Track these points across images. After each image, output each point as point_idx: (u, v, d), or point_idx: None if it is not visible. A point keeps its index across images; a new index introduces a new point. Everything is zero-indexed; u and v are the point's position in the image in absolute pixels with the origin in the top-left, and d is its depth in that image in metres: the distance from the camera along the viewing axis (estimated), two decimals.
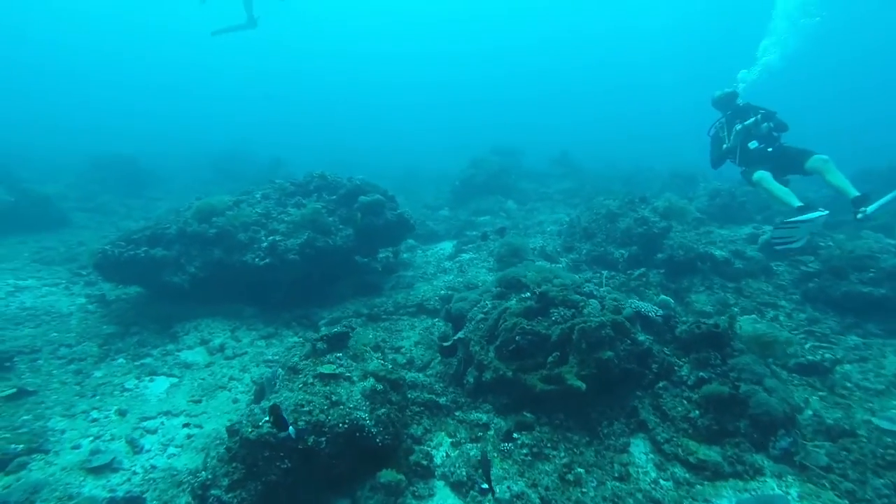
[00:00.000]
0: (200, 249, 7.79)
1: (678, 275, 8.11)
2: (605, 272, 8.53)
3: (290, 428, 3.53)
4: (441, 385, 5.56)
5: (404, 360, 6.20)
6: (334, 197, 8.99)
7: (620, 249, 8.80)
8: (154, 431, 5.07)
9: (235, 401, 5.70)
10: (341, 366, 4.68)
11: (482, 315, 5.64)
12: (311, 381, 4.44)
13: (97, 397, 5.62)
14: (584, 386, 4.60)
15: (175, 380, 6.13)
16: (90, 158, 20.40)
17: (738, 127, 7.42)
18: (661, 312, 5.58)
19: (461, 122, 58.71)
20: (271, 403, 3.75)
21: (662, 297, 6.19)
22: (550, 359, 4.89)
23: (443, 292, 8.21)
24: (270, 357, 6.57)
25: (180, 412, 5.45)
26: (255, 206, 8.50)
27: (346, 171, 26.68)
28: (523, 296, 5.71)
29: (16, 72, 56.50)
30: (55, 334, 7.10)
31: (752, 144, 7.67)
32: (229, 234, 7.81)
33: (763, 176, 7.27)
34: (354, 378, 4.57)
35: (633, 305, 5.62)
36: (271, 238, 7.76)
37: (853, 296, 7.17)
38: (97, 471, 4.35)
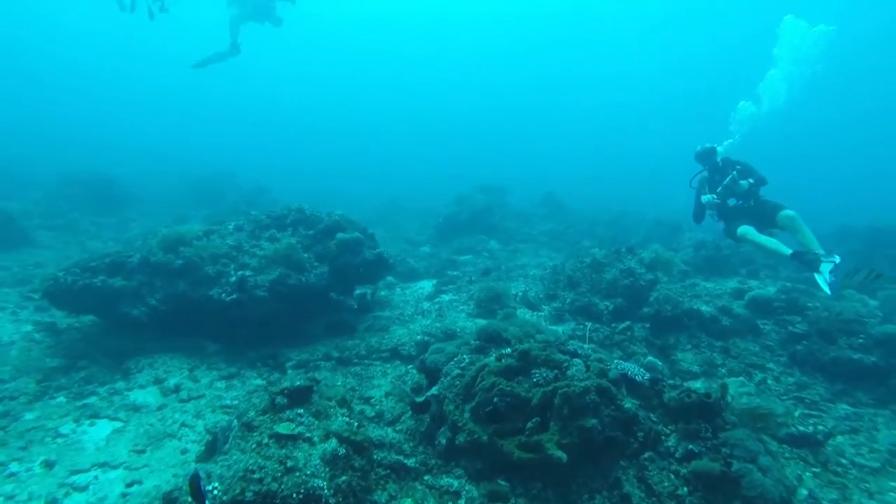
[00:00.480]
0: (164, 281, 7.32)
1: (664, 330, 7.84)
2: (589, 324, 8.23)
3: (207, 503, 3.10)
4: (410, 444, 5.11)
5: (373, 413, 5.75)
6: (311, 232, 8.62)
7: (605, 301, 8.53)
8: (84, 489, 4.51)
9: (184, 451, 5.16)
10: (301, 424, 4.24)
11: (459, 371, 5.26)
12: (266, 441, 3.99)
13: (22, 445, 5.04)
14: (565, 457, 4.22)
15: (119, 424, 5.58)
16: (61, 174, 19.79)
17: (719, 190, 7.60)
18: (647, 376, 5.26)
19: (449, 152, 59.26)
20: (192, 472, 3.31)
21: (650, 358, 5.89)
22: (530, 424, 4.51)
23: (419, 338, 7.81)
24: (229, 402, 6.06)
25: (119, 464, 4.90)
26: (226, 238, 8.08)
27: (328, 200, 26.42)
28: (503, 352, 5.35)
29: None
30: None
31: (731, 202, 7.76)
32: (196, 266, 7.36)
33: (747, 230, 7.29)
34: (315, 439, 4.12)
35: (618, 367, 5.29)
36: (241, 273, 7.33)
37: (842, 362, 6.95)
38: None
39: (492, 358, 5.28)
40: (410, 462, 4.75)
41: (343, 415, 4.62)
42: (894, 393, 6.67)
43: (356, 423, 4.59)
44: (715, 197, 7.74)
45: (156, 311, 7.06)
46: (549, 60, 67.01)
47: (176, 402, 6.11)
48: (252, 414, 4.31)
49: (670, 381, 5.55)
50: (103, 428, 5.50)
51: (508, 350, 5.39)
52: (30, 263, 11.28)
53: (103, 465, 4.87)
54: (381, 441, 4.87)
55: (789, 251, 6.70)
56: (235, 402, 6.05)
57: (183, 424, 5.60)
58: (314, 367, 7.07)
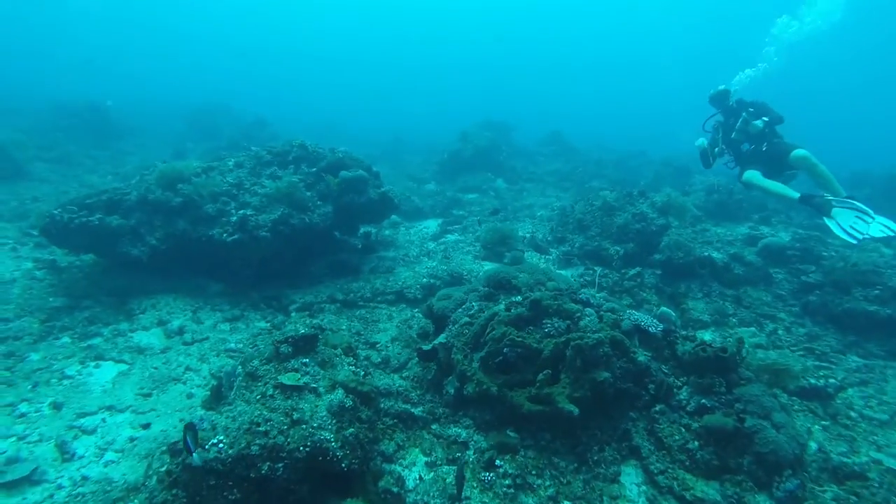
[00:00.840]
0: (163, 219, 7.10)
1: (675, 278, 7.67)
2: (598, 269, 8.06)
3: (195, 455, 3.05)
4: (417, 392, 5.06)
5: (379, 359, 5.68)
6: (314, 170, 8.30)
7: (616, 246, 8.32)
8: (92, 431, 4.50)
9: (190, 396, 5.14)
10: (307, 373, 4.14)
11: (467, 318, 5.12)
12: (271, 392, 3.90)
13: (30, 386, 5.00)
14: (576, 411, 4.14)
15: (125, 367, 5.54)
16: (54, 102, 19.09)
17: (733, 135, 7.36)
18: (661, 327, 5.13)
19: (454, 88, 57.30)
20: (188, 421, 3.24)
21: (663, 308, 5.75)
22: (541, 376, 4.41)
23: (425, 280, 7.67)
24: (233, 345, 5.99)
25: (126, 408, 4.87)
26: (226, 175, 7.78)
27: (331, 135, 25.76)
28: (514, 299, 5.20)
29: None
30: None
31: (745, 147, 7.49)
32: (196, 204, 7.12)
33: (752, 175, 7.13)
34: (321, 390, 4.03)
35: (631, 318, 5.15)
36: (242, 212, 7.09)
37: (856, 313, 6.82)
38: (11, 486, 3.77)
39: (501, 306, 5.14)
40: (417, 411, 4.70)
41: (349, 364, 4.52)
42: None
43: (362, 372, 4.51)
44: (705, 142, 7.63)
45: (156, 250, 6.88)
46: None
47: (180, 344, 6.05)
48: (256, 363, 4.20)
49: (683, 332, 5.44)
50: (109, 370, 5.46)
51: (519, 298, 5.24)
52: (27, 197, 11.03)
53: (110, 408, 4.84)
54: (387, 389, 4.80)
55: (797, 194, 6.50)
56: (240, 346, 5.99)
57: (188, 368, 5.55)
58: (318, 309, 6.97)
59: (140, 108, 25.98)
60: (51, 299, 6.67)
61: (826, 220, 6.27)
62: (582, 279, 7.89)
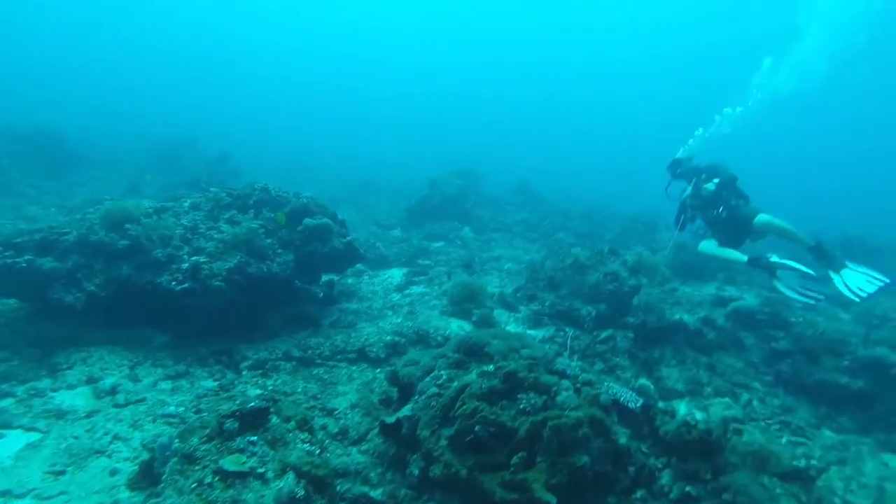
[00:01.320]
0: (105, 263, 6.49)
1: (649, 342, 7.47)
2: (570, 330, 7.80)
3: None
4: (378, 471, 4.56)
5: (337, 429, 5.15)
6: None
7: (588, 306, 8.10)
8: None
9: (114, 472, 4.46)
10: (254, 454, 3.63)
11: (435, 388, 4.70)
12: (209, 479, 3.37)
13: None
14: (554, 501, 3.74)
15: (36, 436, 4.81)
16: (4, 128, 18.09)
17: (689, 201, 7.70)
18: (640, 402, 4.83)
19: (426, 131, 58.02)
20: None
21: (641, 380, 5.47)
22: (516, 459, 4.01)
23: (388, 338, 7.23)
24: (173, 409, 5.35)
25: (27, 492, 4.15)
26: (181, 217, 7.26)
27: (298, 172, 25.32)
28: (485, 369, 4.83)
29: None
30: None
31: (708, 213, 7.72)
32: (144, 248, 6.55)
33: (705, 246, 7.55)
34: (269, 475, 3.52)
35: (610, 392, 4.85)
36: (195, 258, 6.56)
37: (828, 385, 6.72)
38: None
39: (473, 375, 4.75)
40: (377, 494, 4.20)
41: (303, 440, 4.03)
42: (878, 420, 6.47)
43: (318, 450, 4.01)
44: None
45: (94, 297, 6.24)
46: (531, 48, 66.23)
47: (110, 406, 5.37)
48: (195, 440, 3.67)
49: (661, 406, 5.16)
50: (14, 441, 4.70)
51: (492, 367, 4.87)
52: None
53: (4, 495, 4.13)
54: (344, 469, 4.28)
55: (744, 258, 7.03)
56: (181, 410, 5.35)
57: (115, 437, 4.88)
58: (273, 367, 6.41)
59: (100, 138, 25.04)
60: None
61: (774, 281, 6.63)
62: (553, 341, 7.60)
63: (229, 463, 3.45)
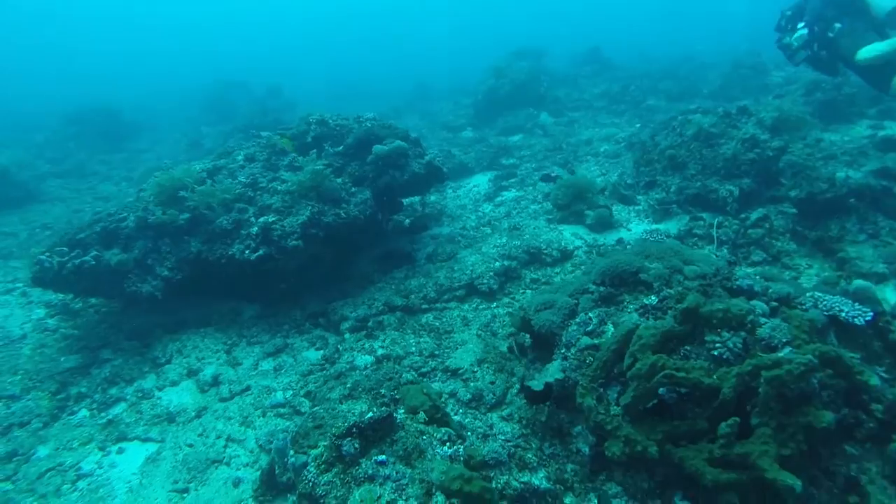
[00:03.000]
0: (172, 243, 5.83)
1: (816, 216, 5.92)
2: (705, 216, 6.41)
3: None
4: (533, 445, 3.71)
5: (469, 395, 4.33)
6: (340, 148, 6.81)
7: (726, 184, 6.58)
8: None
9: (237, 483, 3.95)
10: (387, 478, 2.83)
11: (587, 339, 3.67)
12: None
13: (35, 500, 3.93)
14: (798, 484, 2.69)
15: (153, 448, 4.41)
16: (64, 112, 17.94)
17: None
18: (869, 314, 3.53)
19: (470, 23, 53.39)
20: None
21: (857, 282, 4.09)
22: (725, 428, 2.95)
23: (498, 264, 6.22)
24: (281, 398, 4.74)
25: None
26: (237, 174, 6.39)
27: (353, 95, 23.87)
28: (647, 302, 3.70)
29: None
30: None
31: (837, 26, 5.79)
32: (206, 218, 5.79)
33: (868, 51, 5.59)
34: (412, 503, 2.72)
35: (821, 305, 3.58)
36: (263, 219, 5.73)
37: None
38: None
39: (633, 316, 3.65)
40: (541, 481, 3.36)
41: (440, 439, 3.18)
42: None
43: (461, 450, 3.16)
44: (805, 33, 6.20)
45: (170, 282, 5.67)
46: None
47: (217, 401, 4.86)
48: (312, 471, 2.91)
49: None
50: (135, 455, 4.34)
51: (654, 300, 3.73)
52: (37, 225, 10.03)
53: None
54: (495, 458, 3.44)
55: None
56: (289, 395, 4.75)
57: (229, 440, 4.36)
58: (376, 325, 5.66)
59: (151, 102, 24.72)
60: (63, 359, 5.60)
61: None
62: (692, 235, 6.26)
63: (360, 497, 2.69)
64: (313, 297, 6.36)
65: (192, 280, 5.85)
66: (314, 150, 6.65)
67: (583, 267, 5.82)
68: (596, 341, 3.62)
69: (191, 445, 4.34)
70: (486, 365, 4.66)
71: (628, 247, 5.85)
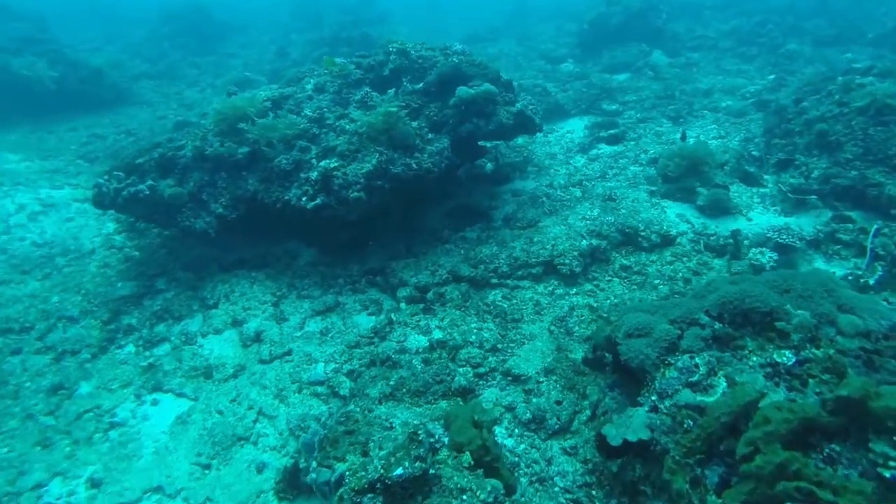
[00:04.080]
0: (229, 178, 5.40)
1: None
2: (855, 216, 5.12)
3: None
4: (599, 495, 3.06)
5: (529, 415, 3.68)
6: (420, 86, 5.94)
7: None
8: None
9: (260, 468, 3.64)
10: None
11: (689, 394, 2.85)
12: None
13: (69, 447, 3.83)
14: None
15: (185, 405, 4.19)
16: (161, 9, 17.83)
17: None
18: None
19: None
20: None
21: None
22: None
23: (584, 242, 5.34)
24: (321, 373, 4.31)
25: (177, 492, 3.50)
26: (303, 107, 5.75)
27: (437, 17, 22.02)
28: (780, 360, 2.79)
29: None
30: (57, 297, 5.37)
31: None
32: (265, 155, 5.26)
33: None
34: None
35: None
36: (325, 163, 5.12)
37: None
38: None
39: (759, 379, 2.76)
40: None
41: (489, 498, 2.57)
42: None
43: None
44: None
45: (224, 220, 5.29)
46: None
47: (256, 361, 4.54)
48: None
49: None
50: (167, 411, 4.15)
51: (790, 358, 2.80)
52: (123, 129, 10.06)
53: (157, 491, 3.51)
54: None
55: None
56: (330, 371, 4.31)
57: (260, 413, 4.03)
58: (437, 296, 5.05)
59: (243, 2, 24.25)
60: (119, 285, 5.48)
61: None
62: (835, 240, 5.04)
63: None
64: (376, 248, 5.82)
65: (248, 219, 5.45)
66: (392, 87, 5.84)
67: (693, 283, 4.82)
68: (700, 399, 2.80)
69: (221, 413, 4.06)
70: (554, 377, 3.96)
71: (766, 270, 4.69)
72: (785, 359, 2.80)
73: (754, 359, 2.89)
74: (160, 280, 5.59)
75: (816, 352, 2.78)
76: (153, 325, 5.01)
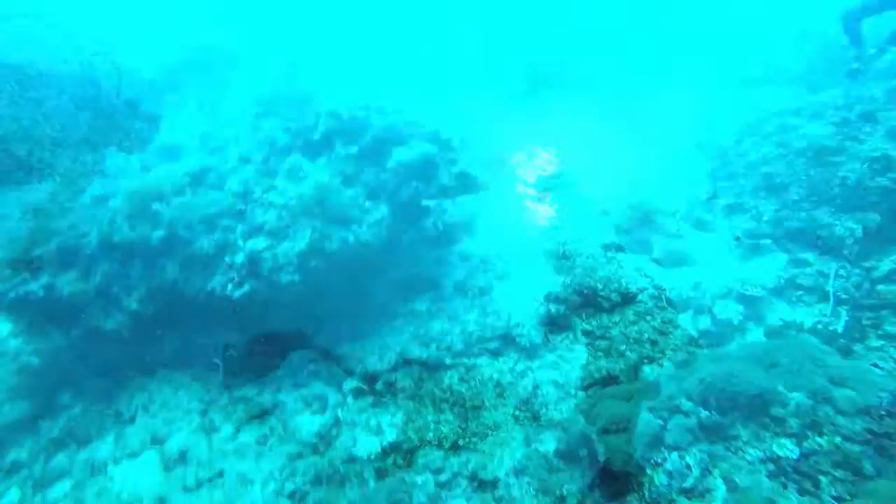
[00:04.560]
0: (143, 266, 4.75)
1: None
2: (810, 258, 5.01)
3: None
4: None
5: None
6: (355, 150, 5.54)
7: (846, 220, 5.12)
8: None
9: None
10: None
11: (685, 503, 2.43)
12: None
13: None
14: None
15: None
16: None
17: None
18: None
19: None
20: None
21: None
22: None
23: (542, 308, 4.98)
24: (258, 498, 3.65)
25: None
26: (226, 180, 5.23)
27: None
28: (782, 454, 2.43)
29: None
30: None
31: None
32: (183, 238, 4.68)
33: None
34: None
35: None
36: (252, 244, 4.59)
37: None
38: None
39: (760, 476, 2.39)
40: None
41: None
42: None
43: None
44: None
45: (139, 317, 4.61)
46: None
47: (180, 490, 3.82)
48: None
49: None
50: None
51: (791, 448, 2.44)
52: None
53: None
54: None
55: None
56: (270, 494, 3.66)
57: None
58: (387, 385, 4.52)
59: None
60: (9, 406, 4.64)
61: None
62: (794, 286, 4.88)
63: None
64: (318, 331, 5.24)
65: (168, 310, 4.78)
66: (324, 153, 5.43)
67: (660, 343, 4.50)
68: None
69: None
70: (526, 478, 3.46)
71: (735, 326, 4.44)
72: (787, 451, 2.44)
73: (751, 451, 2.53)
74: (64, 393, 4.81)
75: (820, 440, 2.44)
76: (50, 456, 4.20)
